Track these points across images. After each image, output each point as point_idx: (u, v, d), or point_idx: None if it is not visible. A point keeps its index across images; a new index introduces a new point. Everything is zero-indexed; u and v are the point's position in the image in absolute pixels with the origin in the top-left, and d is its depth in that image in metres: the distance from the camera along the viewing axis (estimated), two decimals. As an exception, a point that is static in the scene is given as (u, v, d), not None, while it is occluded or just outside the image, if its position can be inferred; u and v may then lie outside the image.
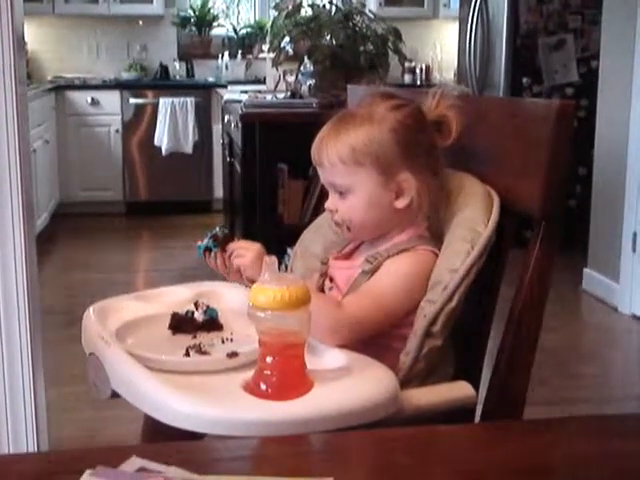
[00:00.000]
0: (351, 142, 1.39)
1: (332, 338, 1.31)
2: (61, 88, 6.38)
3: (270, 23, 4.41)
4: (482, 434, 1.10)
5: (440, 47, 7.16)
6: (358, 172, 1.39)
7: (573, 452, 1.00)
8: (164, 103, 6.35)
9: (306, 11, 4.05)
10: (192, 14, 6.99)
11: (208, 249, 1.51)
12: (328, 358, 1.26)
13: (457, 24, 5.96)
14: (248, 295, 1.14)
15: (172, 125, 6.33)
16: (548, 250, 1.34)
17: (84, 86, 6.51)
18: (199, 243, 1.52)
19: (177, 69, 6.95)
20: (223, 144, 5.32)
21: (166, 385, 1.16)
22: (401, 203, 1.41)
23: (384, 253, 1.41)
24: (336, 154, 1.40)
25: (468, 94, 1.45)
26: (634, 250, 4.16)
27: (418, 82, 7.02)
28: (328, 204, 1.46)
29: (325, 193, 1.48)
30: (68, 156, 6.39)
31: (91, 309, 1.44)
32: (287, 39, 3.94)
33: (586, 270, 4.55)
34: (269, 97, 4.28)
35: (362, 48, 3.87)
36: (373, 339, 1.35)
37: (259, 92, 4.68)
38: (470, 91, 1.54)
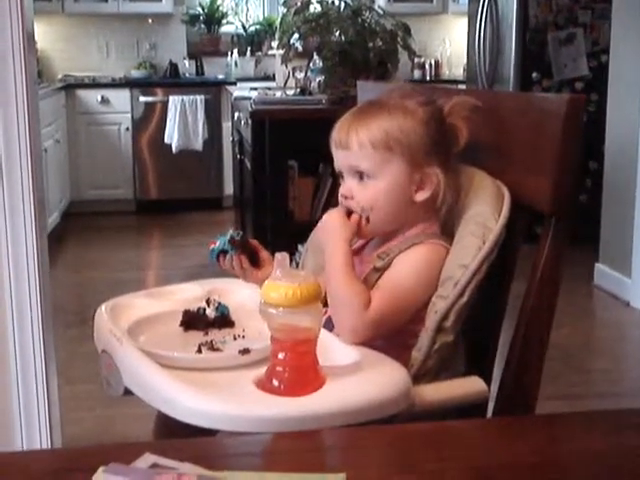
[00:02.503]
0: (385, 126, 1.38)
1: (350, 336, 1.31)
2: (71, 87, 6.40)
3: (279, 20, 4.41)
4: (494, 429, 1.10)
5: (449, 42, 7.15)
6: (387, 158, 1.38)
7: (585, 447, 1.00)
8: (174, 101, 6.36)
9: (315, 7, 4.04)
10: (201, 12, 6.99)
11: (223, 252, 1.51)
12: (340, 354, 1.26)
13: (466, 19, 5.95)
14: (259, 292, 1.14)
15: (182, 123, 6.34)
16: (559, 245, 1.34)
17: (94, 84, 6.52)
18: (212, 246, 1.52)
19: (187, 67, 6.95)
20: (233, 141, 5.33)
21: (178, 382, 1.17)
22: (421, 196, 1.41)
23: (395, 249, 1.41)
24: (368, 136, 1.38)
25: (480, 107, 1.44)
26: (646, 244, 4.15)
27: (427, 78, 7.02)
28: (344, 190, 1.43)
29: (336, 187, 1.47)
30: (78, 155, 6.41)
31: (103, 307, 1.45)
32: (296, 36, 3.94)
33: (598, 265, 4.54)
34: (279, 94, 4.28)
35: (371, 44, 3.86)
36: (388, 335, 1.35)
37: (268, 89, 4.69)
38: (481, 104, 1.54)
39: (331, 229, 1.41)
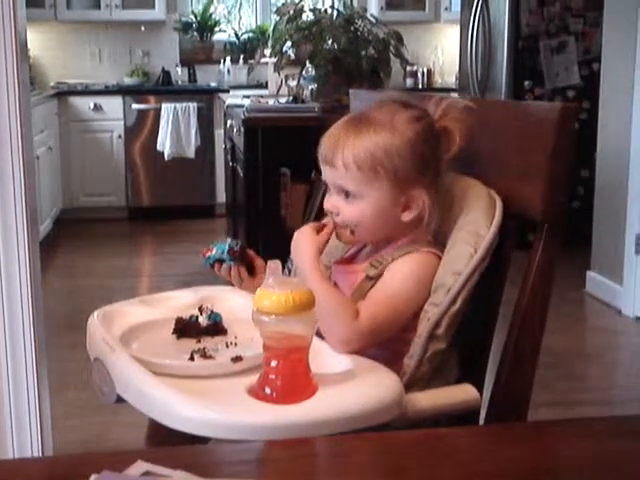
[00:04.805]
0: (371, 148, 1.37)
1: (342, 347, 1.31)
2: (64, 94, 6.39)
3: (272, 28, 4.43)
4: (486, 436, 1.10)
5: (442, 51, 7.16)
6: (372, 181, 1.38)
7: (577, 454, 1.01)
8: (166, 108, 6.35)
9: (307, 15, 4.05)
10: (194, 19, 6.99)
11: (219, 261, 1.51)
12: (332, 362, 1.26)
13: (458, 27, 5.97)
14: (252, 299, 1.14)
15: (174, 130, 6.33)
16: (551, 253, 1.34)
17: (86, 92, 6.51)
18: (208, 254, 1.51)
19: (179, 74, 6.95)
20: (225, 149, 5.33)
21: (171, 390, 1.16)
22: (407, 216, 1.41)
23: (388, 257, 1.41)
24: (353, 158, 1.37)
25: (473, 108, 1.42)
26: (637, 252, 4.15)
27: (420, 86, 7.03)
28: (329, 205, 1.43)
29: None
30: (71, 162, 6.40)
31: (95, 314, 1.44)
32: (289, 44, 3.95)
33: (589, 272, 4.55)
34: (271, 102, 4.29)
35: (364, 52, 3.87)
36: (380, 343, 1.35)
37: (261, 97, 4.70)
38: (474, 105, 1.52)
39: (299, 246, 1.42)
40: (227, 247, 1.50)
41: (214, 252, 1.51)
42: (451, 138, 1.43)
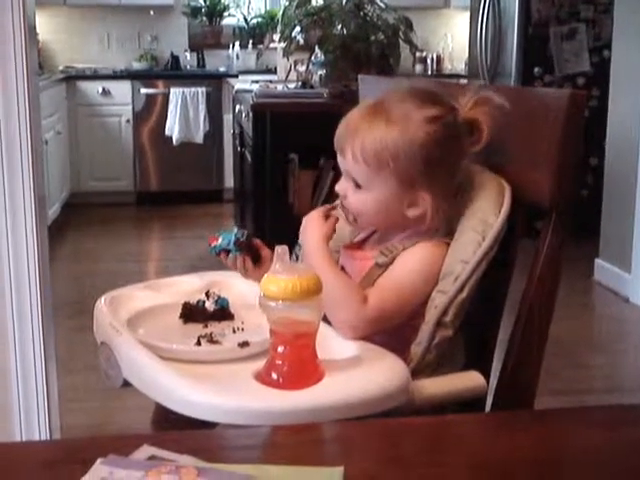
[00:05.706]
0: (379, 145, 1.35)
1: (349, 333, 1.31)
2: (72, 78, 6.39)
3: (281, 13, 4.42)
4: (492, 424, 1.10)
5: (451, 37, 7.13)
6: (378, 175, 1.37)
7: (583, 442, 1.01)
8: (175, 93, 6.35)
9: (317, 0, 4.04)
10: (203, 4, 6.98)
11: (226, 250, 1.50)
12: (339, 348, 1.26)
13: (468, 13, 5.94)
14: (259, 285, 1.14)
15: (183, 115, 6.33)
16: (559, 240, 1.34)
17: (95, 76, 6.51)
18: (214, 243, 1.51)
19: (188, 59, 6.94)
20: (234, 134, 5.32)
21: (177, 374, 1.17)
22: (412, 213, 1.40)
23: (399, 245, 1.41)
24: (361, 151, 1.37)
25: (506, 108, 1.37)
26: (646, 240, 4.15)
27: (429, 72, 7.00)
28: (339, 188, 1.44)
29: (337, 180, 1.47)
30: (79, 146, 6.41)
31: (103, 298, 1.45)
32: (298, 29, 3.94)
33: (597, 260, 4.54)
34: (280, 87, 4.28)
35: (373, 38, 3.86)
36: (387, 330, 1.35)
37: (270, 82, 4.69)
38: (508, 105, 1.47)
39: (306, 232, 1.43)
40: (234, 237, 1.50)
41: (220, 241, 1.50)
42: (479, 130, 1.40)
